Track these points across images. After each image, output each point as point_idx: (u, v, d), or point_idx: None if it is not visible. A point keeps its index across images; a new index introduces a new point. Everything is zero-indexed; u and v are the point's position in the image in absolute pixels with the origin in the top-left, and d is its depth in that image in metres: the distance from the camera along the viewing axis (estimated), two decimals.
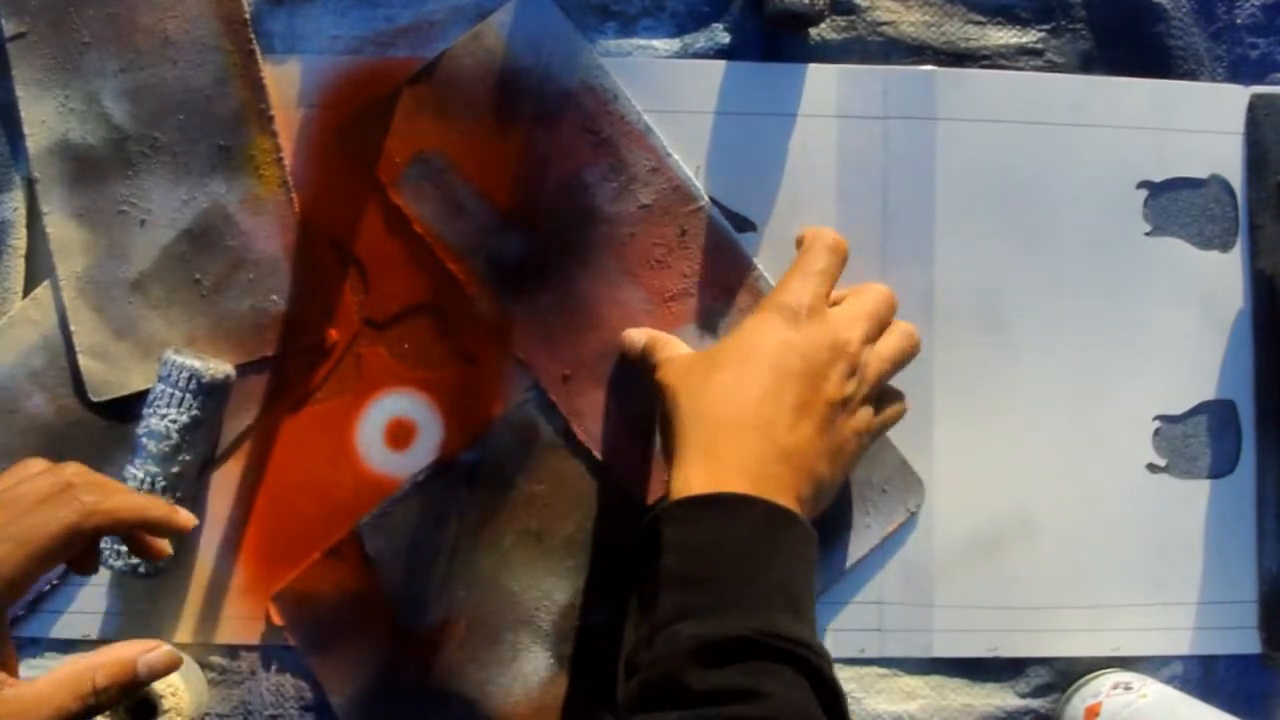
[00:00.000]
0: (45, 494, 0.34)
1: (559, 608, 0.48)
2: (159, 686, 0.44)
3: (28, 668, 0.47)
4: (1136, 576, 0.49)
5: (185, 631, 0.48)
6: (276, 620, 0.47)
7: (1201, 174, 0.51)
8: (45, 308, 0.48)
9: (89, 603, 0.48)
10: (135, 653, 0.34)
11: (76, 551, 0.34)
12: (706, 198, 0.47)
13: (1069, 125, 0.50)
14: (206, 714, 0.48)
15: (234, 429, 0.48)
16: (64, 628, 0.47)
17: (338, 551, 0.47)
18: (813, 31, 0.50)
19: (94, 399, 0.47)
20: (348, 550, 0.47)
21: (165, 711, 0.44)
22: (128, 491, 0.36)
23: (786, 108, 0.50)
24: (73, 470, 0.35)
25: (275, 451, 0.48)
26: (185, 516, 0.38)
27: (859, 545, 0.48)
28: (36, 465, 0.36)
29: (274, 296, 0.48)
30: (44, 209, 0.47)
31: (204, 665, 0.48)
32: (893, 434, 0.48)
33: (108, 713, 0.44)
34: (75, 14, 0.47)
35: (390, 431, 0.49)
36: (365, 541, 0.47)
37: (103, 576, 0.48)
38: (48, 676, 0.33)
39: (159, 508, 0.37)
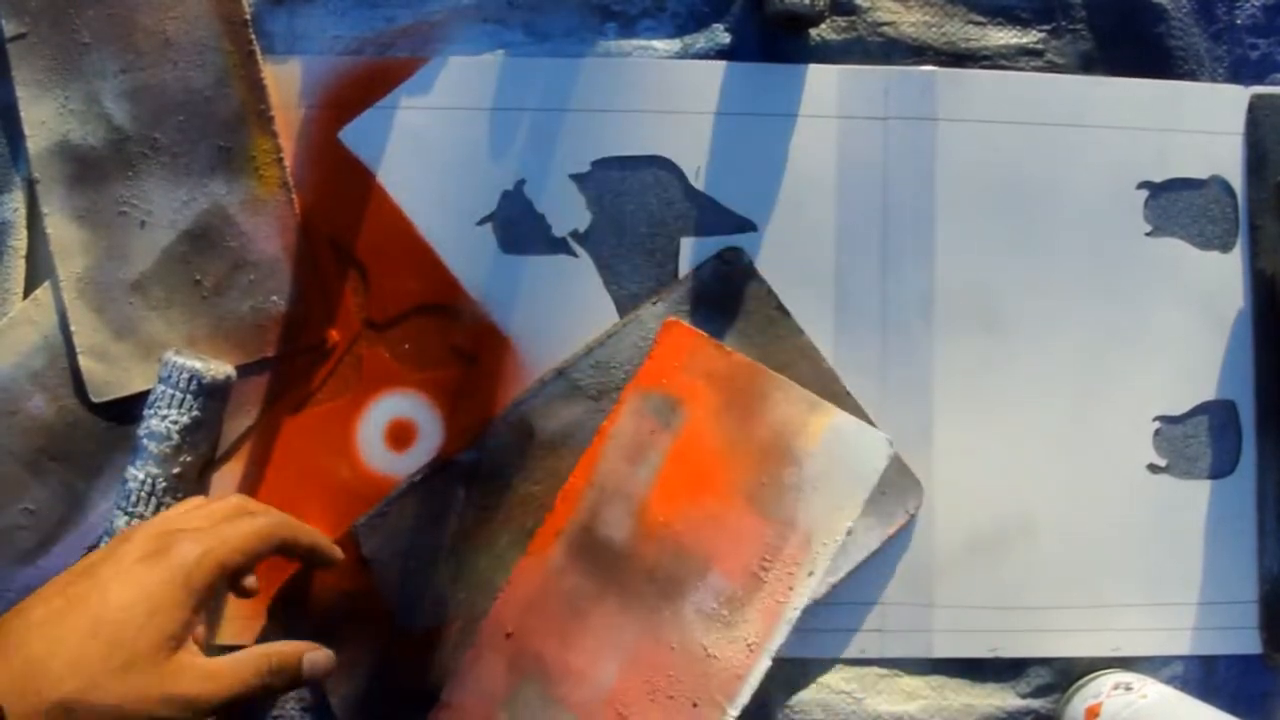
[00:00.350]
0: (232, 513, 0.41)
1: None
2: None
3: None
4: (1136, 576, 0.49)
5: None
6: (274, 620, 0.47)
7: (1201, 174, 0.51)
8: (45, 308, 0.48)
9: None
10: (302, 649, 0.40)
11: (264, 559, 0.40)
12: None
13: (1069, 125, 0.50)
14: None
15: (234, 429, 0.48)
16: None
17: None
18: (813, 32, 0.50)
19: (94, 400, 0.47)
20: (344, 550, 0.47)
21: None
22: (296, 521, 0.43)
23: (786, 108, 0.50)
24: (240, 498, 0.43)
25: (275, 452, 0.48)
26: (339, 552, 0.45)
27: (859, 548, 0.48)
28: (200, 499, 0.43)
29: (274, 297, 0.48)
30: (44, 210, 0.47)
31: None
32: (895, 434, 0.48)
33: None
34: (75, 15, 0.47)
35: (391, 432, 0.49)
36: (361, 542, 0.47)
37: None
38: (233, 654, 0.38)
39: (327, 542, 0.44)
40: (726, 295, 0.49)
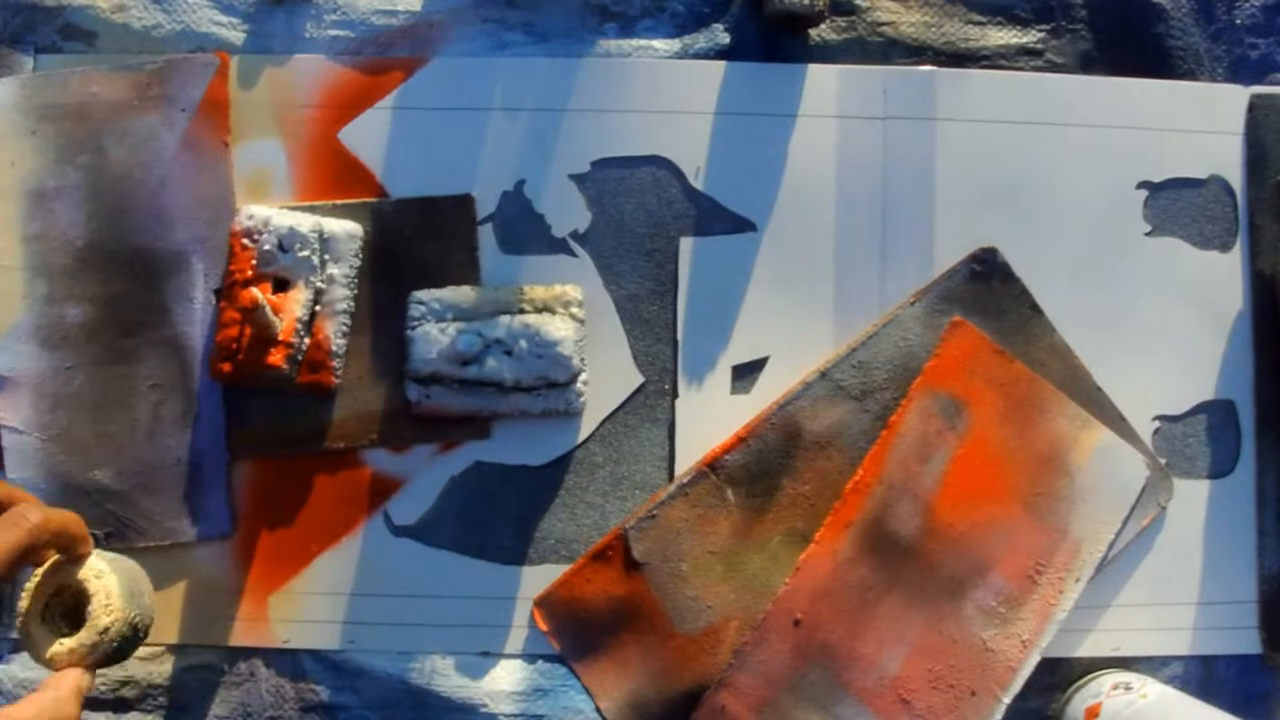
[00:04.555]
0: None
1: None
2: (84, 573, 0.40)
3: (27, 668, 0.47)
4: (1136, 576, 0.49)
5: (188, 634, 0.48)
6: (541, 626, 0.48)
7: (1201, 174, 0.51)
8: None
9: None
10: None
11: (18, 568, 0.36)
12: None
13: (1069, 125, 0.50)
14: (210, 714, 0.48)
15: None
16: None
17: (603, 556, 0.48)
18: (812, 32, 0.50)
19: None
20: (614, 554, 0.48)
21: (94, 594, 0.40)
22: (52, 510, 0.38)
23: (786, 108, 0.50)
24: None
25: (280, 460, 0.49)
26: (86, 533, 0.40)
27: (1118, 542, 0.48)
28: None
29: None
30: None
31: (203, 667, 0.48)
32: None
33: (42, 620, 0.40)
34: None
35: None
36: (632, 545, 0.47)
37: None
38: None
39: (76, 520, 0.39)
40: (981, 295, 0.49)
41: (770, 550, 0.48)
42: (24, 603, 0.40)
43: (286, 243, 0.46)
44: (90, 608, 0.40)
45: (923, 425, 0.46)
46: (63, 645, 0.39)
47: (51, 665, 0.39)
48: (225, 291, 0.47)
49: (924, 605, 0.45)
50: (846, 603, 0.45)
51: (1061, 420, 0.47)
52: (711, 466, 0.48)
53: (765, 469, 0.48)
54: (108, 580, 0.40)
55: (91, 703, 0.47)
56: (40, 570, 0.40)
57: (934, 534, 0.46)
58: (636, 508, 0.49)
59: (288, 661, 0.48)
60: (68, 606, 0.41)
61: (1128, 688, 0.46)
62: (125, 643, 0.41)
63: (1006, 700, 0.45)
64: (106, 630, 0.40)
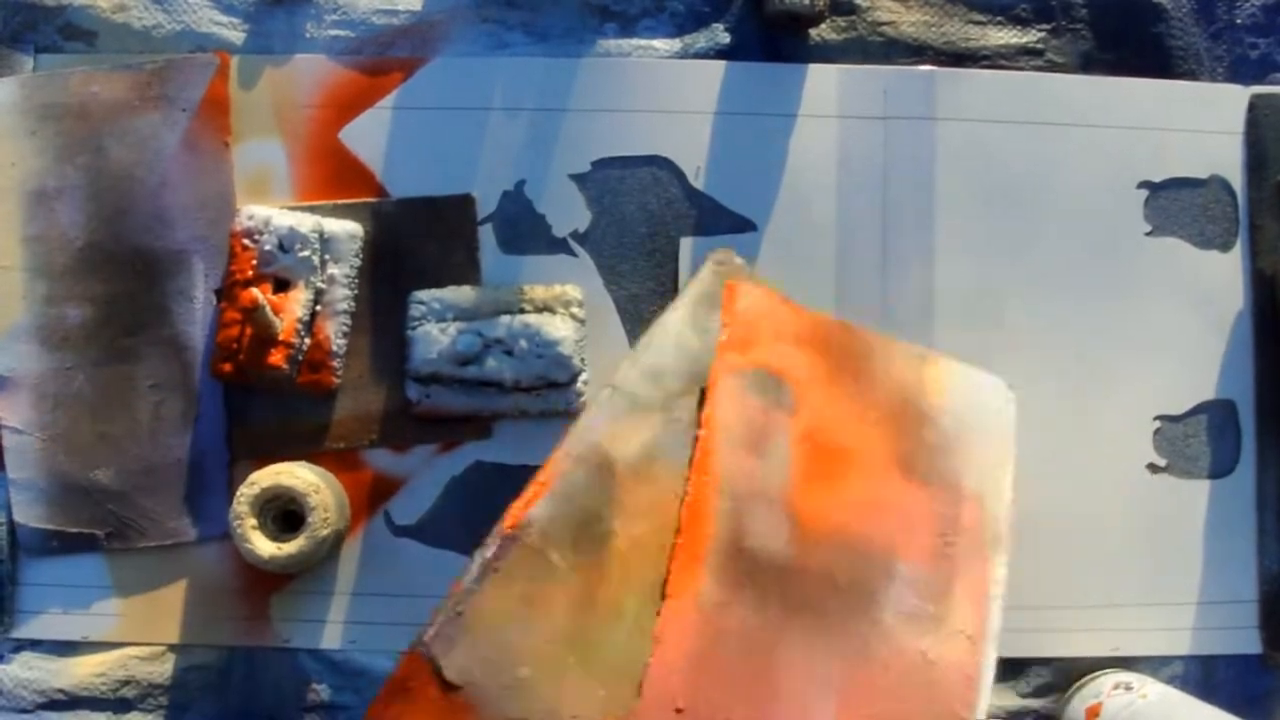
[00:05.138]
0: None
1: None
2: (300, 486, 0.43)
3: (27, 669, 0.47)
4: (1136, 576, 0.49)
5: (188, 634, 0.48)
6: None
7: (1201, 174, 0.51)
8: None
9: (87, 604, 0.47)
10: None
11: None
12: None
13: (1069, 125, 0.50)
14: None
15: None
16: (64, 629, 0.47)
17: (403, 690, 0.35)
18: (813, 32, 0.50)
19: None
20: (417, 683, 0.35)
21: (314, 508, 0.43)
22: None
23: (786, 108, 0.50)
24: None
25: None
26: None
27: None
28: None
29: None
30: None
31: (200, 667, 0.48)
32: None
33: (256, 524, 0.44)
34: None
35: None
36: (440, 662, 0.35)
37: (102, 577, 0.47)
38: None
39: None
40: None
41: (629, 617, 0.35)
42: (241, 506, 0.44)
43: (287, 243, 0.46)
44: (310, 519, 0.43)
45: (741, 411, 0.37)
46: (281, 549, 0.44)
47: (268, 566, 0.43)
48: (226, 291, 0.47)
49: (833, 632, 0.35)
50: (733, 661, 0.34)
51: (892, 361, 0.39)
52: (517, 529, 0.36)
53: (586, 515, 0.37)
54: (325, 495, 0.44)
55: (92, 703, 0.47)
56: (257, 478, 0.44)
57: (809, 538, 0.36)
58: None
59: (288, 661, 0.48)
60: (279, 512, 0.45)
61: (1128, 688, 0.46)
62: (331, 550, 0.45)
63: (980, 717, 0.36)
64: (325, 540, 0.44)
